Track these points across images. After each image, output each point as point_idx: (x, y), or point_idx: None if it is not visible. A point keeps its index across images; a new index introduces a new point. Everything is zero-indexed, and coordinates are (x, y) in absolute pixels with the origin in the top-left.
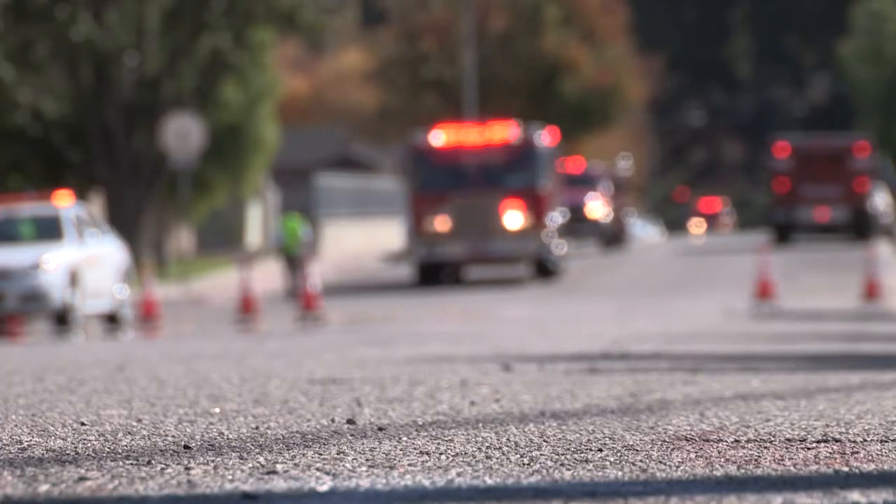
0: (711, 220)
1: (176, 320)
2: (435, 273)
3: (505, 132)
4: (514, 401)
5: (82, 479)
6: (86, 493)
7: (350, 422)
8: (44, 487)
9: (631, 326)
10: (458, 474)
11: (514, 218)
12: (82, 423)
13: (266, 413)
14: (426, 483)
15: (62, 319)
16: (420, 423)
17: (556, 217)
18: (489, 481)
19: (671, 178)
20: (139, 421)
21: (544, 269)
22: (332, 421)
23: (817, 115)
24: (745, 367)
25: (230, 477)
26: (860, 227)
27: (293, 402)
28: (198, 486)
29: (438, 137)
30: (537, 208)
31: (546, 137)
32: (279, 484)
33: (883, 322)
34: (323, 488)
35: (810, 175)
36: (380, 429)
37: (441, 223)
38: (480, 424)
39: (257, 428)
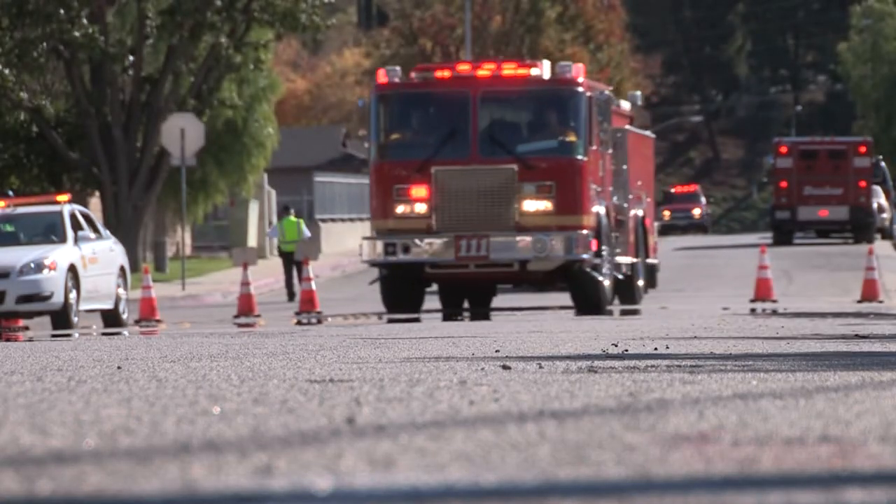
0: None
1: (175, 319)
2: (403, 286)
3: (524, 70)
4: (513, 400)
5: (81, 478)
6: (85, 492)
7: (349, 421)
8: (43, 487)
9: (630, 326)
10: (457, 473)
11: (536, 203)
12: (81, 423)
13: (265, 412)
14: (425, 482)
15: (62, 319)
16: (419, 422)
17: (611, 206)
18: (488, 480)
19: (669, 178)
20: (138, 420)
21: (586, 295)
22: (332, 420)
23: (816, 115)
24: (744, 366)
25: (230, 476)
26: (860, 227)
27: (292, 402)
28: (197, 485)
29: (418, 76)
30: (573, 188)
31: (585, 79)
32: (279, 483)
33: (882, 322)
34: (322, 487)
35: (810, 175)
36: (379, 428)
37: (413, 206)
38: (479, 424)
39: (257, 427)
